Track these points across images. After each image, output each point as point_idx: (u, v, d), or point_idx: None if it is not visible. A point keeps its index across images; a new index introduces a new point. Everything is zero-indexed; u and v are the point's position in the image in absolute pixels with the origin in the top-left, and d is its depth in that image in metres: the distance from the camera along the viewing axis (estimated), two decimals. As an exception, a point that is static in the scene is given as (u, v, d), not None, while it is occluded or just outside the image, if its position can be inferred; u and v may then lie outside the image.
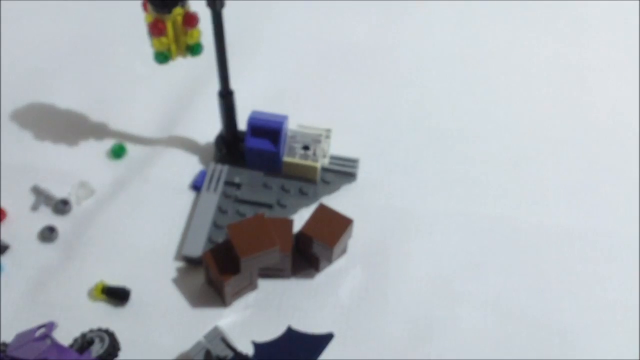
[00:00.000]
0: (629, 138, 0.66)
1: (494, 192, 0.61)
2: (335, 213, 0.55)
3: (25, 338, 0.46)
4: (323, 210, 0.55)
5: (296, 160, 0.59)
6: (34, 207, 0.59)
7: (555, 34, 0.74)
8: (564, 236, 0.59)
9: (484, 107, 0.68)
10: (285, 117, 0.59)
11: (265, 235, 0.51)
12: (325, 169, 0.61)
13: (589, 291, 0.56)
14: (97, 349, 0.49)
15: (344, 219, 0.55)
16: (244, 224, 0.52)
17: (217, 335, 0.49)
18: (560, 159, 0.64)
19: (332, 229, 0.54)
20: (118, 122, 0.65)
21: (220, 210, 0.58)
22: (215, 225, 0.57)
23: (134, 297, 0.54)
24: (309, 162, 0.59)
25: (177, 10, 0.51)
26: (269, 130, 0.58)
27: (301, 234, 0.54)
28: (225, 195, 0.59)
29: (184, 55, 0.55)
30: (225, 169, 0.61)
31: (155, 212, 0.59)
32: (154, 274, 0.56)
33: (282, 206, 0.59)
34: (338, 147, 0.62)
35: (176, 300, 0.55)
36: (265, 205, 0.59)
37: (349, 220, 0.55)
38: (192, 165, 0.63)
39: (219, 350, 0.49)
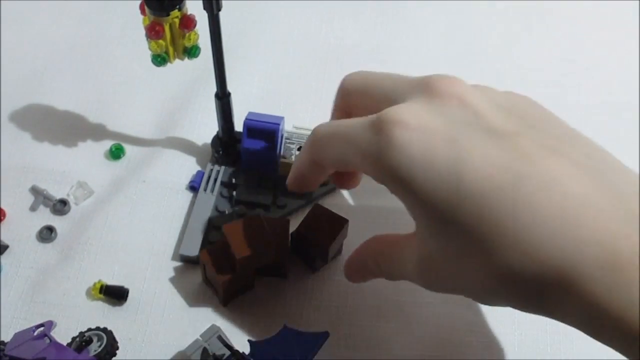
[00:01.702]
0: (621, 138, 0.66)
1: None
2: (330, 213, 0.55)
3: (23, 337, 0.47)
4: (318, 210, 0.56)
5: (292, 161, 0.60)
6: (33, 208, 0.60)
7: (549, 34, 0.75)
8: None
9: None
10: (281, 119, 0.59)
11: (261, 235, 0.52)
12: (321, 170, 0.61)
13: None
14: (95, 347, 0.50)
15: (339, 218, 0.55)
16: (240, 224, 0.52)
17: (214, 334, 0.50)
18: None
19: (327, 229, 0.55)
20: (116, 123, 0.66)
21: (217, 210, 0.59)
22: (212, 225, 0.58)
23: (132, 296, 0.55)
24: (305, 163, 0.60)
25: (175, 13, 0.52)
26: (265, 131, 0.59)
27: (297, 234, 0.55)
28: (222, 195, 0.60)
29: (181, 57, 0.55)
30: (222, 169, 0.61)
31: (153, 212, 0.60)
32: (151, 273, 0.56)
33: (279, 207, 0.59)
34: (334, 148, 0.63)
35: (174, 299, 0.55)
36: (262, 206, 0.59)
37: (345, 220, 0.55)
38: (189, 166, 0.63)
39: (216, 348, 0.49)
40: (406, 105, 0.40)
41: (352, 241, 0.58)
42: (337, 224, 0.55)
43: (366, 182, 0.62)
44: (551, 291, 0.35)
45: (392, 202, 0.61)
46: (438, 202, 0.37)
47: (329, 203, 0.59)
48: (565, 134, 0.40)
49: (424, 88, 0.41)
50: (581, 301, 0.35)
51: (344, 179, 0.52)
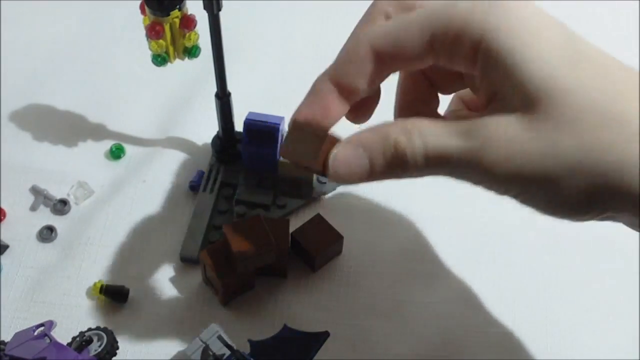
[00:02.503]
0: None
1: (488, 194, 0.62)
2: (329, 226, 0.56)
3: (24, 337, 0.47)
4: (318, 220, 0.56)
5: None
6: (33, 208, 0.60)
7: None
8: (557, 234, 0.59)
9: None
10: (281, 119, 0.59)
11: (261, 235, 0.52)
12: (321, 170, 0.61)
13: (583, 289, 0.56)
14: (95, 347, 0.50)
15: (335, 233, 0.56)
16: (240, 224, 0.52)
17: (214, 334, 0.50)
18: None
19: (320, 240, 0.55)
20: (116, 123, 0.66)
21: (217, 210, 0.59)
22: (212, 225, 0.58)
23: (132, 296, 0.55)
24: (305, 163, 0.60)
25: (175, 13, 0.52)
26: (265, 131, 0.59)
27: (292, 237, 0.55)
28: (222, 195, 0.60)
29: (181, 57, 0.55)
30: (222, 169, 0.61)
31: (153, 212, 0.60)
32: (151, 273, 0.56)
33: (279, 207, 0.59)
34: (334, 148, 0.63)
35: (174, 299, 0.55)
36: (262, 206, 0.59)
37: (340, 236, 0.56)
38: (189, 166, 0.63)
39: (216, 348, 0.49)
40: None
41: (352, 241, 0.58)
42: (331, 237, 0.55)
43: (366, 186, 0.62)
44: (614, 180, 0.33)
45: (391, 202, 0.61)
46: (550, 63, 0.34)
47: (330, 203, 0.59)
48: None
49: None
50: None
51: (358, 108, 0.42)
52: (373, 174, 0.37)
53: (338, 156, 0.37)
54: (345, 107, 0.39)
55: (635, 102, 0.34)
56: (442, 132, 0.35)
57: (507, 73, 0.34)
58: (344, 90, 0.38)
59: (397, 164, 0.37)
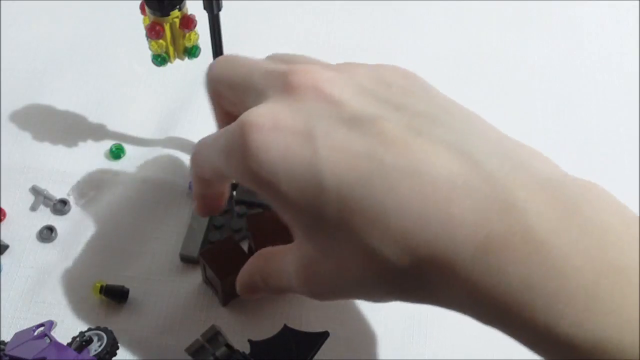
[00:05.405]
0: (626, 141, 0.66)
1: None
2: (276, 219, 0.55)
3: (24, 337, 0.47)
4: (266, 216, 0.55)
5: (292, 161, 0.59)
6: (33, 208, 0.60)
7: (549, 35, 0.75)
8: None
9: (480, 108, 0.68)
10: (281, 119, 0.59)
11: (237, 255, 0.52)
12: (321, 170, 0.61)
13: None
14: (95, 347, 0.50)
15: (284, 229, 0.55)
16: (216, 248, 0.53)
17: (214, 334, 0.50)
18: (556, 160, 0.64)
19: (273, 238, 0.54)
20: (116, 123, 0.66)
21: (217, 210, 0.59)
22: (213, 225, 0.58)
23: (132, 296, 0.55)
24: (305, 163, 0.59)
25: (175, 13, 0.52)
26: (265, 131, 0.59)
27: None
28: (222, 195, 0.60)
29: (181, 57, 0.55)
30: (222, 169, 0.61)
31: (153, 212, 0.60)
32: (151, 273, 0.56)
33: (279, 206, 0.59)
34: (334, 148, 0.63)
35: (174, 299, 0.55)
36: (262, 206, 0.59)
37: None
38: (189, 166, 0.63)
39: (216, 348, 0.49)
40: (264, 106, 0.39)
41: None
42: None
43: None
44: (431, 278, 0.34)
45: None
46: (304, 203, 0.36)
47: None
48: (433, 108, 0.38)
49: (282, 83, 0.40)
50: (461, 286, 0.34)
51: (205, 203, 0.50)
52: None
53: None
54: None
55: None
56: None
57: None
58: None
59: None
